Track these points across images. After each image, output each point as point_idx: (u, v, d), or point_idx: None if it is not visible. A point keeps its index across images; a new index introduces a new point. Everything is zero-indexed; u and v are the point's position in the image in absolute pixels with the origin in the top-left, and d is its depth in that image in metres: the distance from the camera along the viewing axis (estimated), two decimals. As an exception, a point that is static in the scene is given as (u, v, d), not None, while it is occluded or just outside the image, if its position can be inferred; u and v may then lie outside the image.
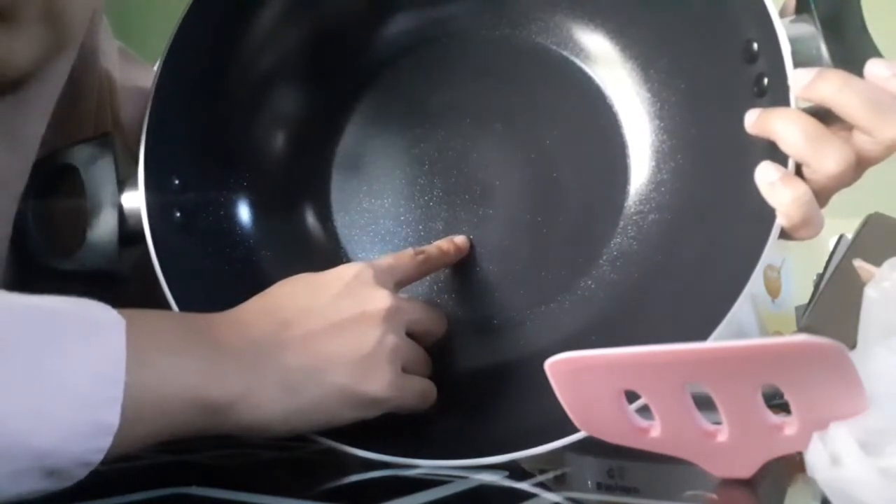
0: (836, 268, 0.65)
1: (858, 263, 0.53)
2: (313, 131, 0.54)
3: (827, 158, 0.37)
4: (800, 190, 0.38)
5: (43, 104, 0.48)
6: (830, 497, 0.28)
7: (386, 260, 0.46)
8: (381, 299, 0.42)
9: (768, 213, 0.38)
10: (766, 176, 0.39)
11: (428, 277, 0.51)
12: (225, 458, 0.44)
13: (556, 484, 0.37)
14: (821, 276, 0.67)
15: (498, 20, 0.53)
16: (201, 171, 0.51)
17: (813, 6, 0.39)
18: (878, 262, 0.36)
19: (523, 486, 0.36)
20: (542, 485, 0.37)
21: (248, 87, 0.53)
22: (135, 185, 0.48)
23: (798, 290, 0.72)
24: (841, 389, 0.30)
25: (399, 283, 0.46)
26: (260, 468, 0.42)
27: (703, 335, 0.38)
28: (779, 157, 0.39)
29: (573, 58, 0.51)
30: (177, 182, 0.50)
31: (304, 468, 0.43)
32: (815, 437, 0.30)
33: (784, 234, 0.39)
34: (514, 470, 0.40)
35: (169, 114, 0.49)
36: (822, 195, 0.39)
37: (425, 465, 0.41)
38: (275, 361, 0.39)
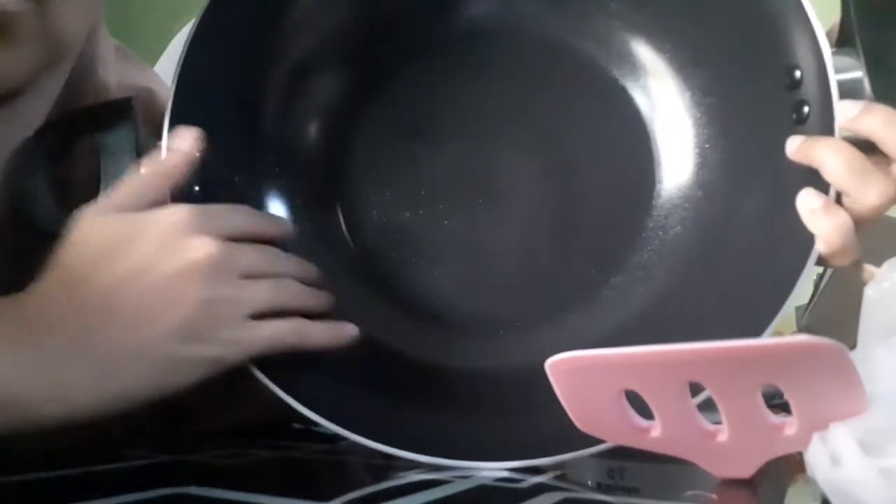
0: (836, 268, 0.65)
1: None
2: (343, 118, 0.53)
3: (869, 190, 0.38)
4: (841, 218, 0.38)
5: (36, 116, 0.48)
6: (830, 497, 0.28)
7: (216, 207, 0.42)
8: (204, 246, 0.38)
9: (802, 238, 0.39)
10: (809, 203, 0.39)
11: (440, 276, 0.50)
12: (225, 458, 0.44)
13: (557, 484, 0.37)
14: (821, 276, 0.67)
15: (539, 21, 0.52)
16: (224, 148, 0.49)
17: (858, 39, 0.40)
18: (878, 262, 0.36)
19: (523, 485, 0.36)
20: (542, 485, 0.37)
21: (278, 71, 0.51)
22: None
23: (798, 290, 0.72)
24: (841, 389, 0.30)
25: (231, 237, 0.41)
26: (260, 468, 0.42)
27: None
28: (817, 184, 0.39)
29: (610, 66, 0.50)
30: (197, 155, 0.48)
31: (304, 468, 0.43)
32: (815, 437, 0.30)
33: (819, 261, 0.40)
34: (515, 470, 0.40)
35: (195, 88, 0.47)
36: (858, 225, 0.39)
37: (426, 462, 0.41)
38: (84, 350, 0.36)
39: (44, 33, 0.43)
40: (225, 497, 0.33)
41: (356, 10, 0.52)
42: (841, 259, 0.39)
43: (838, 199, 0.39)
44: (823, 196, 0.39)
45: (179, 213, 0.39)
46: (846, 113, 0.38)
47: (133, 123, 0.47)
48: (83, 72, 0.51)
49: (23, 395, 0.34)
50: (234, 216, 0.42)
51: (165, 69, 0.62)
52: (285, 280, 0.42)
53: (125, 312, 0.37)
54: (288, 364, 0.44)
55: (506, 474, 0.39)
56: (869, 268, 0.51)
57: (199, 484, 0.35)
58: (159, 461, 0.43)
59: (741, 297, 0.42)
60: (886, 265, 0.35)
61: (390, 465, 0.41)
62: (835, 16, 0.42)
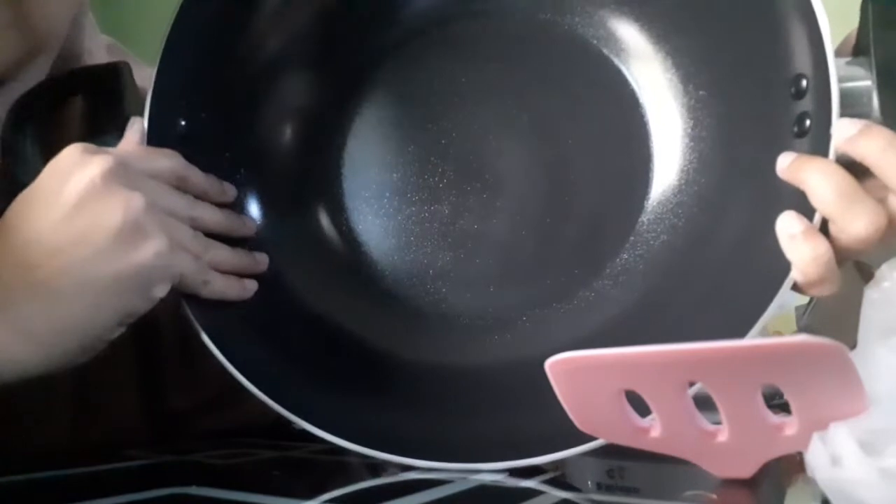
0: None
1: (858, 263, 0.53)
2: (326, 112, 0.52)
3: (857, 220, 0.35)
4: (821, 248, 0.35)
5: None
6: (830, 497, 0.28)
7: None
8: (101, 162, 0.38)
9: (783, 263, 0.37)
10: (788, 227, 0.36)
11: (426, 264, 0.50)
12: (225, 458, 0.44)
13: (556, 484, 0.37)
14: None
15: (541, 4, 0.50)
16: (202, 147, 0.48)
17: (872, 52, 0.37)
18: (877, 262, 0.36)
19: (523, 486, 0.36)
20: (541, 485, 0.37)
21: (255, 72, 0.51)
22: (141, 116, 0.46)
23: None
24: (841, 389, 0.30)
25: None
26: (260, 468, 0.42)
27: None
28: (808, 205, 0.37)
29: (613, 57, 0.49)
30: (183, 123, 0.48)
31: (304, 468, 0.43)
32: (815, 437, 0.30)
33: (795, 287, 0.37)
34: (514, 470, 0.39)
35: (172, 89, 0.47)
36: (842, 255, 0.36)
37: (423, 466, 0.41)
38: (32, 288, 0.37)
39: (20, 23, 0.42)
40: (225, 497, 0.33)
41: (327, 5, 0.51)
42: (817, 290, 0.37)
43: (824, 226, 0.36)
44: (805, 221, 0.36)
45: (73, 147, 0.40)
46: (843, 132, 0.36)
47: (121, 89, 0.47)
48: (69, 62, 0.51)
49: None
50: (138, 151, 0.43)
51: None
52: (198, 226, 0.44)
53: (55, 243, 0.37)
54: (275, 369, 0.44)
55: (504, 475, 0.39)
56: (869, 268, 0.51)
57: (199, 484, 0.35)
58: (159, 461, 0.43)
59: (718, 308, 0.41)
60: (886, 265, 0.35)
61: (389, 464, 0.41)
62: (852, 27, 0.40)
